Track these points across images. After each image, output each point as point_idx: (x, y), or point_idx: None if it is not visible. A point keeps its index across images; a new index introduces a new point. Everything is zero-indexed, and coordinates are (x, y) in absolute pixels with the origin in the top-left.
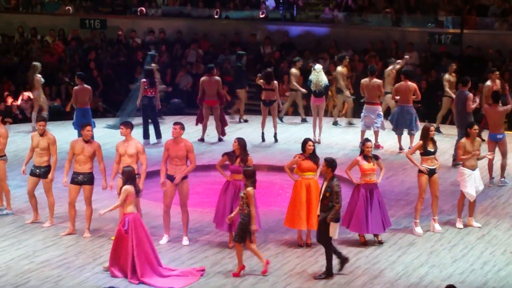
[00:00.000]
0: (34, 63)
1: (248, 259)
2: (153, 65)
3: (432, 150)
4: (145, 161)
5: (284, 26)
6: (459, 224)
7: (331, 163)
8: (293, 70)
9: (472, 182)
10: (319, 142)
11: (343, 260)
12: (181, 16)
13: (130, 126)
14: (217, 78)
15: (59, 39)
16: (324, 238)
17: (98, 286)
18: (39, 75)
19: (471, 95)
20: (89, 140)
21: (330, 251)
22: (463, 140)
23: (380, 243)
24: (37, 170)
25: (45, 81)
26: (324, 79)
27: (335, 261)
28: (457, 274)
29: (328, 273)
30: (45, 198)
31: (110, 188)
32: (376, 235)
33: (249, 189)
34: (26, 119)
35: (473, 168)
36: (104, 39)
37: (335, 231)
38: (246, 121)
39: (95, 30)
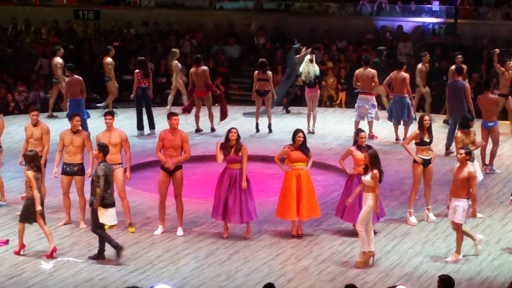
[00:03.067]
0: (173, 49)
1: (243, 249)
2: (297, 56)
3: (428, 140)
4: (128, 149)
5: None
6: None
7: (102, 148)
8: (419, 66)
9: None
10: (313, 132)
11: (117, 248)
12: (174, 7)
13: (113, 116)
14: (204, 68)
15: (53, 30)
16: (93, 223)
17: (92, 277)
18: (177, 61)
19: (468, 85)
20: (77, 131)
21: (102, 235)
22: (459, 134)
23: (374, 233)
24: None
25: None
26: (313, 69)
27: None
28: (451, 264)
29: (99, 255)
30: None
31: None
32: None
33: (29, 172)
34: (21, 111)
35: (472, 160)
36: (98, 30)
37: (104, 216)
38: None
39: (88, 21)
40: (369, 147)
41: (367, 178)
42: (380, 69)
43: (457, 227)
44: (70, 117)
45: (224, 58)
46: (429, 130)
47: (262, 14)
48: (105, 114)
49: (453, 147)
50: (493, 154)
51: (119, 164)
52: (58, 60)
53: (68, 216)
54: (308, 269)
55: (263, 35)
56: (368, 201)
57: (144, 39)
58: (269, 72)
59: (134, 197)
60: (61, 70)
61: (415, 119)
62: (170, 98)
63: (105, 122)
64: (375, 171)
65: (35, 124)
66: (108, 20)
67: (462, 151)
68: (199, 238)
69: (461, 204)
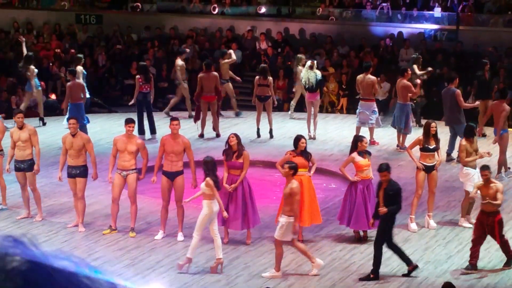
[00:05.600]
0: (299, 55)
1: (244, 255)
2: (415, 66)
3: (431, 147)
4: (146, 156)
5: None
6: (466, 223)
7: None
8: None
9: (477, 180)
10: (314, 138)
11: None
12: (176, 12)
13: (134, 123)
14: (215, 73)
15: (55, 34)
16: None
17: None
18: (301, 67)
19: (459, 91)
20: (76, 134)
21: None
22: (463, 142)
23: (365, 238)
24: (21, 165)
25: (41, 76)
26: (313, 75)
27: None
28: (451, 271)
29: None
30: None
31: (109, 180)
32: (364, 231)
33: None
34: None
35: (475, 167)
36: (100, 35)
37: None
38: (484, 135)
39: (88, 25)
40: (368, 152)
41: (202, 185)
42: (484, 83)
43: (276, 243)
44: (68, 121)
45: None
46: (435, 137)
47: (264, 20)
48: (127, 122)
49: (454, 154)
50: (500, 163)
51: (133, 170)
52: (179, 62)
53: (78, 217)
54: (308, 275)
55: (265, 40)
56: (204, 208)
57: (145, 43)
58: (270, 78)
59: None
60: (180, 72)
61: (421, 126)
62: (293, 103)
63: (126, 130)
64: (208, 178)
65: (21, 127)
66: (110, 25)
67: (286, 165)
68: (199, 243)
69: (282, 220)
